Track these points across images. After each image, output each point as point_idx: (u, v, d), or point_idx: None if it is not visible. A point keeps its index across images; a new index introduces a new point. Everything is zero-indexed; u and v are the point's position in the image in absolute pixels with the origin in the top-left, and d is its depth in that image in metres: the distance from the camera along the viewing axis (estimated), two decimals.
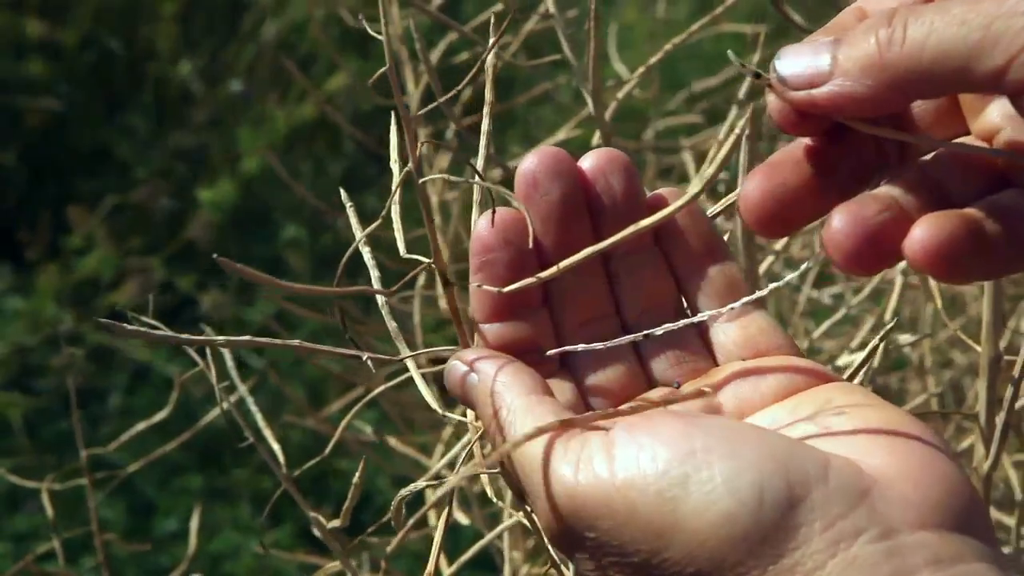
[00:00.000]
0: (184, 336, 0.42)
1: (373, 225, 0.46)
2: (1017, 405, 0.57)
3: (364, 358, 0.46)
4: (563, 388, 0.47)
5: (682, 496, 0.38)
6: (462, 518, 0.77)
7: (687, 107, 1.22)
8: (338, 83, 2.11)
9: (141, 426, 0.84)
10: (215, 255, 0.39)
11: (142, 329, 0.42)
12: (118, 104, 2.23)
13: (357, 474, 0.56)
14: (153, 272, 1.92)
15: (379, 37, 0.40)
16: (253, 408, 0.63)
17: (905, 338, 0.60)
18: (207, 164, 2.15)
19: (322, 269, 1.98)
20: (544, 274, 0.45)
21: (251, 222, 2.09)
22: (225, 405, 0.62)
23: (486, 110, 0.39)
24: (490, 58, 0.35)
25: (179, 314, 1.87)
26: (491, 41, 0.35)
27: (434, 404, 0.49)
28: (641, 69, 0.59)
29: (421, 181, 0.43)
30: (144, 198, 2.04)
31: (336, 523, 0.61)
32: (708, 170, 0.36)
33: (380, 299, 0.48)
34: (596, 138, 0.59)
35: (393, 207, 0.47)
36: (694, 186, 0.36)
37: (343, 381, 1.20)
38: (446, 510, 0.48)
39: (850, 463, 0.39)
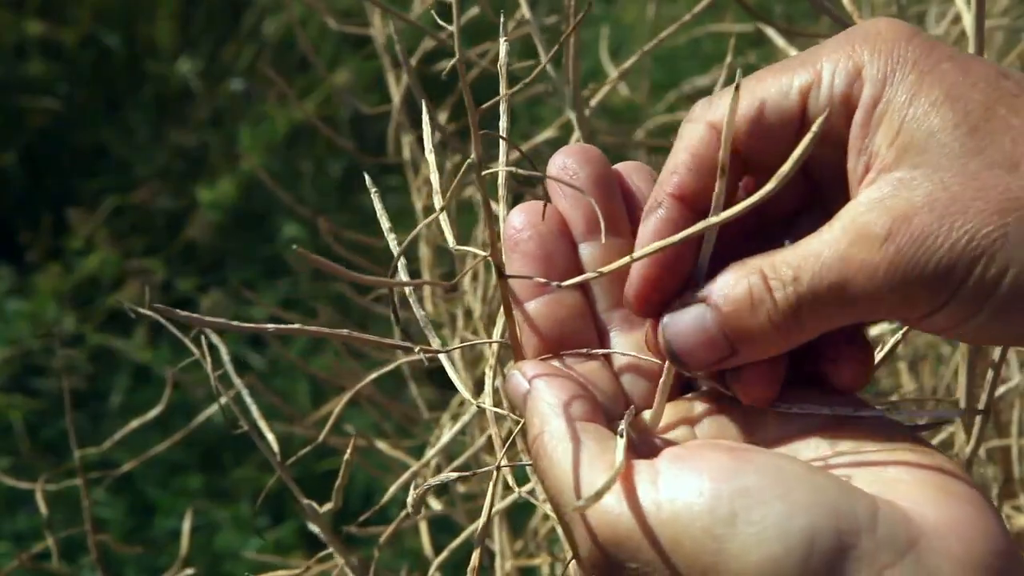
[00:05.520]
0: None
1: (430, 218, 0.47)
2: (997, 392, 0.57)
3: (416, 350, 0.47)
4: (603, 376, 0.47)
5: (728, 535, 0.37)
6: (436, 504, 0.77)
7: (687, 105, 1.22)
8: (338, 81, 2.11)
9: (136, 423, 0.84)
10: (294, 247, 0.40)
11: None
12: (118, 103, 2.23)
13: (347, 453, 0.56)
14: (153, 273, 1.92)
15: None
16: (249, 400, 0.63)
17: (884, 327, 0.60)
18: (207, 163, 2.16)
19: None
20: (589, 275, 0.46)
21: (251, 221, 2.09)
22: (223, 399, 0.63)
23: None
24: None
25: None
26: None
27: (467, 395, 0.50)
28: (615, 73, 0.59)
29: (484, 174, 0.44)
30: (144, 198, 2.05)
31: (329, 506, 0.62)
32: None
33: (408, 290, 0.49)
34: (575, 138, 0.59)
35: (437, 201, 0.47)
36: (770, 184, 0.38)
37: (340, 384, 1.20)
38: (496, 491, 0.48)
39: (898, 510, 0.38)
